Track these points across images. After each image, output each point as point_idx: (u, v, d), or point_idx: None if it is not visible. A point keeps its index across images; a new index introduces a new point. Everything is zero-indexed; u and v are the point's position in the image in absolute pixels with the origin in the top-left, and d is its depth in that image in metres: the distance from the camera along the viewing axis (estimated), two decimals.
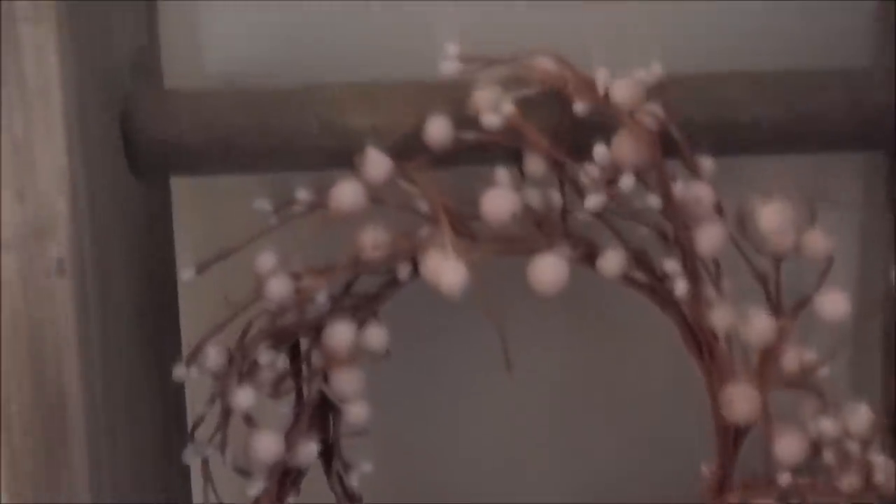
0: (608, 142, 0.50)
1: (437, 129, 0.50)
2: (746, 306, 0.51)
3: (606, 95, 0.50)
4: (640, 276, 0.52)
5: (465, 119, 0.50)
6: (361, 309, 0.53)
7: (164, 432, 0.56)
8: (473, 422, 0.64)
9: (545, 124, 0.50)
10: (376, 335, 0.52)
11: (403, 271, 0.52)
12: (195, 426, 0.54)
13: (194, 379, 0.52)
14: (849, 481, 0.51)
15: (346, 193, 0.50)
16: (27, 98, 0.45)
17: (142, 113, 0.52)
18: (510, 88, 0.50)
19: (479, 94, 0.50)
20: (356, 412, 0.53)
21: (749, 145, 0.53)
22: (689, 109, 0.52)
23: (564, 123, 0.51)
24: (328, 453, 0.55)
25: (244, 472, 0.53)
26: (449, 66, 0.50)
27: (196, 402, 0.54)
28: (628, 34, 0.57)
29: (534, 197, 0.51)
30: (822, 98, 0.53)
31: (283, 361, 0.52)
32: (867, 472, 0.50)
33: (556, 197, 0.51)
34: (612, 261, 0.51)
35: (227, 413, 0.52)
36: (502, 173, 0.50)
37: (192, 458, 0.54)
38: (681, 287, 0.51)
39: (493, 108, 0.50)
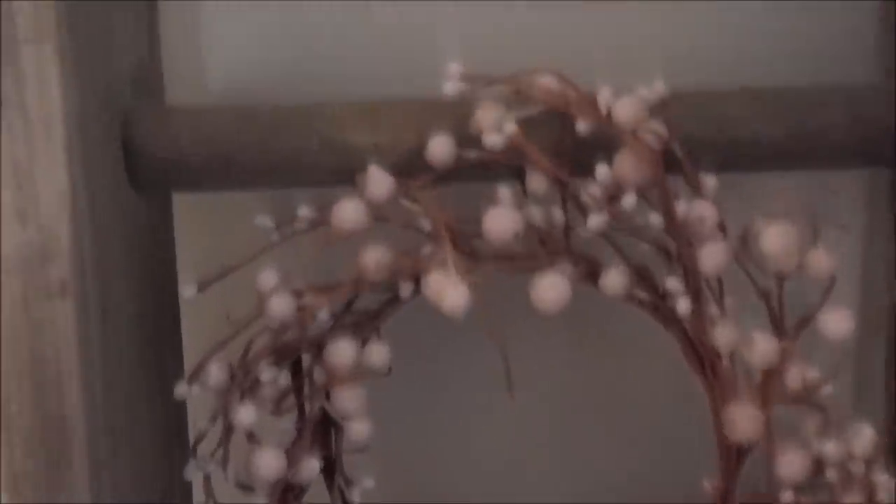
0: (610, 159, 0.50)
1: (440, 148, 0.50)
2: (749, 322, 0.51)
3: (609, 114, 0.50)
4: (642, 294, 0.51)
5: (467, 136, 0.50)
6: (363, 326, 0.53)
7: (166, 449, 0.56)
8: (475, 438, 0.64)
9: (547, 142, 0.50)
10: (378, 352, 0.52)
11: (405, 289, 0.52)
12: (196, 442, 0.54)
13: (196, 395, 0.52)
14: (852, 500, 0.50)
15: (348, 212, 0.50)
16: (28, 119, 0.45)
17: (143, 129, 0.52)
18: (512, 107, 0.50)
19: (482, 113, 0.50)
20: (358, 429, 0.53)
21: (751, 162, 0.53)
22: (691, 126, 0.52)
23: (566, 141, 0.50)
24: (330, 469, 0.55)
25: (246, 488, 0.53)
26: (451, 86, 0.50)
27: (198, 418, 0.54)
28: (630, 51, 0.57)
29: (536, 214, 0.51)
30: (825, 115, 0.53)
31: (284, 378, 0.52)
32: (870, 491, 0.50)
33: (558, 214, 0.51)
34: (614, 279, 0.51)
35: (228, 430, 0.52)
36: (504, 192, 0.50)
37: (193, 474, 0.54)
38: (683, 305, 0.50)
39: (496, 127, 0.50)
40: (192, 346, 0.57)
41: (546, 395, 0.62)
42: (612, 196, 0.50)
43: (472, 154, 0.50)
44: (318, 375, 0.52)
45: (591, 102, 0.50)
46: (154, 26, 0.57)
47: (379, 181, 0.50)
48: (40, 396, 0.46)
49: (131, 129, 0.52)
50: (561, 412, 0.63)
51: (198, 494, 0.56)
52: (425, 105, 0.52)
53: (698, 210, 0.50)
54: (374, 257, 0.50)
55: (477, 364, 0.56)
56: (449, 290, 0.48)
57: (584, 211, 0.51)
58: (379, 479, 0.55)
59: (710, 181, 0.51)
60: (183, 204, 0.58)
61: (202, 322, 0.53)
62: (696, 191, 0.51)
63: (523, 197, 0.51)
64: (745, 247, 0.51)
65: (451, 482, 0.64)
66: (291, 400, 0.53)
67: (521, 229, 0.50)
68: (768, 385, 0.50)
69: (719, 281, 0.51)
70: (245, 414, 0.51)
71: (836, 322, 0.50)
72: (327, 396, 0.53)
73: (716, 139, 0.52)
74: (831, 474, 0.50)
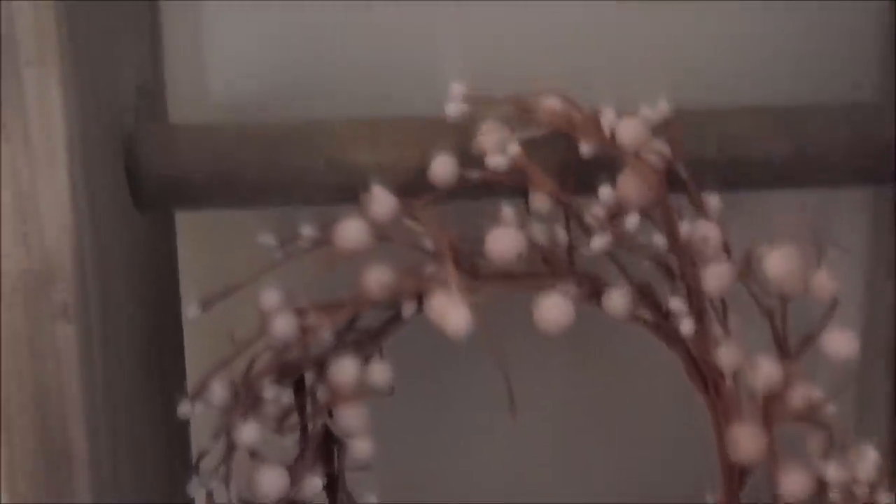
0: (613, 179, 0.50)
1: (442, 168, 0.50)
2: (751, 336, 0.51)
3: (612, 136, 0.49)
4: (645, 313, 0.51)
5: (470, 155, 0.50)
6: (366, 345, 0.53)
7: (169, 468, 0.56)
8: (477, 457, 0.64)
9: (550, 163, 0.50)
10: (380, 371, 0.52)
11: (408, 309, 0.52)
12: (199, 459, 0.54)
13: (199, 414, 0.52)
14: None
15: (351, 232, 0.50)
16: (31, 142, 0.45)
17: (146, 148, 0.52)
18: (516, 127, 0.50)
19: (485, 134, 0.50)
20: (361, 447, 0.53)
21: (754, 181, 0.53)
22: (694, 145, 0.52)
23: (570, 161, 0.50)
24: (332, 487, 0.55)
25: None
26: (454, 107, 0.50)
27: (201, 436, 0.54)
28: (634, 70, 0.57)
29: (539, 232, 0.51)
30: (829, 133, 0.53)
31: (287, 396, 0.52)
32: None
33: (561, 233, 0.51)
34: (617, 300, 0.51)
35: (231, 448, 0.52)
36: (507, 211, 0.50)
37: (196, 491, 0.54)
38: (687, 325, 0.50)
39: (499, 148, 0.50)
40: (195, 364, 0.57)
41: (548, 414, 0.62)
42: (615, 215, 0.50)
43: (474, 174, 0.50)
44: (321, 393, 0.52)
45: (594, 124, 0.50)
46: (157, 44, 0.57)
47: (382, 201, 0.50)
48: (42, 417, 0.46)
49: (134, 148, 0.52)
50: (563, 432, 0.63)
51: None
52: (429, 123, 0.52)
53: (702, 230, 0.50)
54: (377, 278, 0.50)
55: (479, 383, 0.56)
56: (451, 311, 0.48)
57: (587, 230, 0.50)
58: (381, 497, 0.55)
59: (713, 201, 0.51)
60: (186, 222, 0.58)
61: (205, 340, 0.53)
62: (700, 211, 0.51)
63: (526, 215, 0.51)
64: (748, 268, 0.50)
65: (453, 501, 0.63)
66: (294, 418, 0.53)
67: (525, 249, 0.50)
68: (771, 405, 0.50)
69: (723, 300, 0.51)
70: (248, 432, 0.51)
71: (840, 343, 0.50)
72: (330, 414, 0.53)
73: (719, 157, 0.52)
74: (835, 496, 0.50)
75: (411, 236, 0.51)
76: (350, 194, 0.51)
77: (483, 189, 0.50)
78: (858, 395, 0.60)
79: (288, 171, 0.52)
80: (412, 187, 0.51)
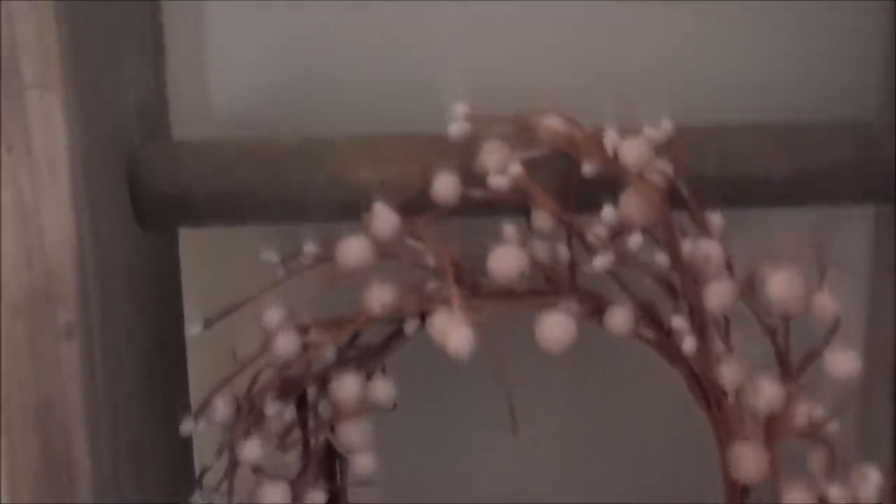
0: (616, 198, 0.50)
1: (445, 186, 0.50)
2: (754, 356, 0.51)
3: (615, 155, 0.49)
4: (647, 331, 0.51)
5: (472, 173, 0.50)
6: (368, 361, 0.53)
7: (172, 484, 0.56)
8: (479, 473, 0.64)
9: (552, 182, 0.50)
10: (383, 387, 0.52)
11: (410, 326, 0.52)
12: (202, 474, 0.54)
13: (202, 430, 0.52)
14: None
15: (353, 249, 0.50)
16: (34, 163, 0.45)
17: (149, 165, 0.52)
18: (517, 146, 0.50)
19: (487, 154, 0.50)
20: (363, 463, 0.53)
21: (755, 198, 0.53)
22: (696, 162, 0.52)
23: (572, 180, 0.50)
24: (335, 503, 0.55)
25: None
26: (457, 127, 0.50)
27: (204, 453, 0.54)
28: (635, 87, 0.57)
29: (541, 250, 0.51)
30: (830, 151, 0.53)
31: (290, 412, 0.52)
32: None
33: (563, 251, 0.51)
34: (619, 318, 0.51)
35: (234, 464, 0.52)
36: (510, 229, 0.50)
37: None
38: (689, 343, 0.50)
39: (501, 168, 0.50)
40: (197, 380, 0.57)
41: (550, 432, 0.62)
42: (618, 234, 0.50)
43: (477, 192, 0.50)
44: (324, 409, 0.52)
45: (597, 143, 0.50)
46: (160, 61, 0.57)
47: (385, 219, 0.50)
48: (46, 436, 0.46)
49: (137, 166, 0.52)
50: (565, 449, 0.63)
51: None
52: (430, 140, 0.52)
53: (704, 249, 0.50)
54: (379, 296, 0.50)
55: (481, 400, 0.56)
56: (453, 332, 0.48)
57: (589, 248, 0.51)
58: None
59: (715, 219, 0.51)
60: (189, 240, 0.58)
61: (208, 356, 0.53)
62: (702, 229, 0.51)
63: (529, 233, 0.51)
64: (750, 285, 0.50)
65: None
66: (296, 434, 0.53)
67: (527, 267, 0.50)
68: (774, 424, 0.50)
69: (725, 318, 0.51)
70: (251, 449, 0.51)
71: (843, 362, 0.50)
72: (332, 430, 0.53)
73: (718, 175, 0.52)
74: None
75: (413, 254, 0.51)
76: (353, 212, 0.51)
77: (485, 207, 0.50)
78: (861, 413, 0.60)
79: (290, 188, 0.52)
80: (414, 205, 0.51)
